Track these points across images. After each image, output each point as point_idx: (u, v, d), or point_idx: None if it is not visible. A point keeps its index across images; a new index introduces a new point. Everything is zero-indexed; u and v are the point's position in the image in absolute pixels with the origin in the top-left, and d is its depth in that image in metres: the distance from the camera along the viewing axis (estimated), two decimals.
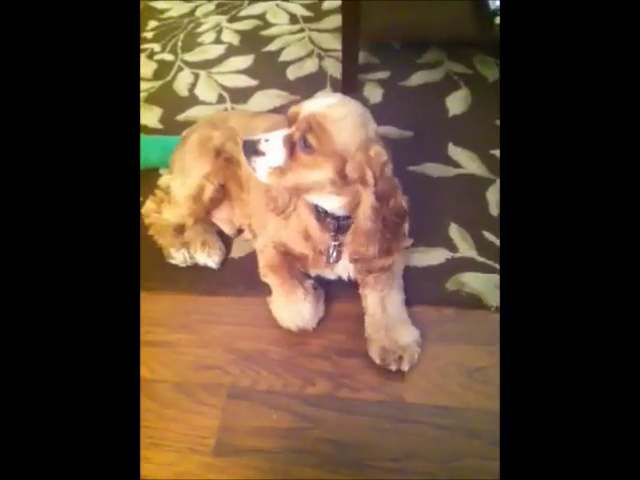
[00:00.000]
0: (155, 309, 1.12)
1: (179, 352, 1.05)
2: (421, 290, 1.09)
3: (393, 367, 0.96)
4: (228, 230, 1.24)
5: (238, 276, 1.15)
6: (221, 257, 1.17)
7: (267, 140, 0.89)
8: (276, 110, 1.53)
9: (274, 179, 0.91)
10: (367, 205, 0.89)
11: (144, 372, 1.02)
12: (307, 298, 1.02)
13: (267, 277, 1.07)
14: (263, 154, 0.88)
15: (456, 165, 1.35)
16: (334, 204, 0.95)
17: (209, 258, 1.16)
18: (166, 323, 1.10)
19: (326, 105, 0.88)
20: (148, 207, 1.24)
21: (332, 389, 0.98)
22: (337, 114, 0.87)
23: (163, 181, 1.26)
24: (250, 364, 1.02)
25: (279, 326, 1.05)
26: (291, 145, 0.88)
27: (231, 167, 1.17)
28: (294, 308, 1.02)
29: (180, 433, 0.94)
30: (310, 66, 1.73)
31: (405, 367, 0.96)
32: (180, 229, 1.20)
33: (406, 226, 1.02)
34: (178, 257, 1.16)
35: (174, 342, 1.07)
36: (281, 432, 0.93)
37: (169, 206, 1.21)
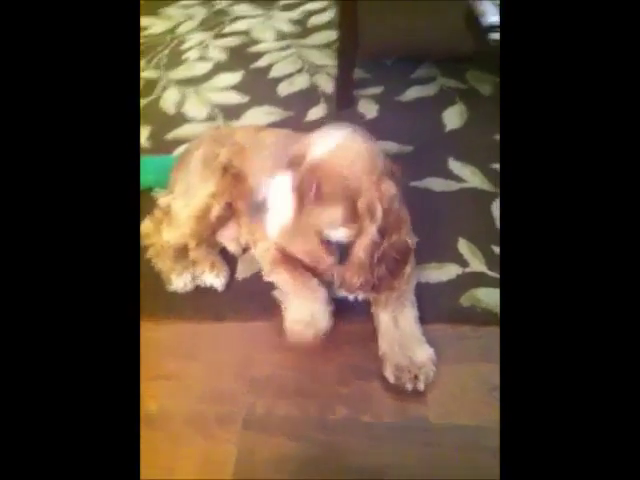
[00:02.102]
0: (158, 338, 1.06)
1: (187, 383, 1.00)
2: (435, 307, 1.06)
3: (409, 386, 0.93)
4: (233, 248, 1.20)
5: (245, 298, 1.11)
6: (227, 279, 1.13)
7: (274, 196, 0.87)
8: (272, 126, 1.50)
9: (286, 236, 0.90)
10: (367, 238, 0.89)
11: (152, 406, 0.96)
12: (319, 294, 0.99)
13: (274, 273, 1.04)
14: (270, 211, 0.87)
15: (458, 179, 1.34)
16: (340, 234, 0.94)
17: (217, 279, 1.11)
18: (172, 352, 1.04)
19: (334, 147, 0.85)
20: (146, 227, 1.18)
21: (352, 414, 0.94)
22: (347, 156, 0.86)
23: (162, 201, 1.21)
24: (264, 391, 0.97)
25: (291, 349, 1.00)
26: (299, 195, 0.86)
27: (239, 184, 1.13)
28: (307, 305, 0.98)
29: (195, 469, 0.88)
30: (301, 82, 1.72)
31: (421, 386, 0.93)
32: (181, 251, 1.15)
33: (408, 268, 0.99)
34: (178, 283, 1.11)
35: (181, 373, 1.01)
36: (303, 462, 0.88)
37: (169, 227, 1.15)
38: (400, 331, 0.98)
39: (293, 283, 1.01)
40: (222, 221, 1.16)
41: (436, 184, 1.33)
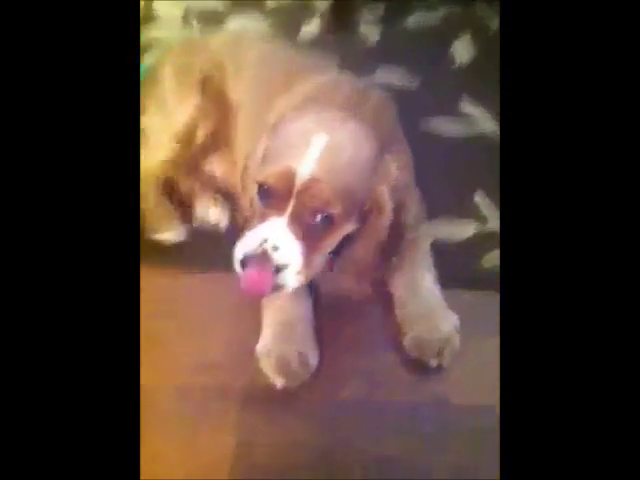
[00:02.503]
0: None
1: (174, 347, 0.84)
2: (453, 269, 0.94)
3: (433, 362, 0.83)
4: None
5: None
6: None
7: (275, 247, 0.68)
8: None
9: (303, 278, 0.72)
10: (374, 239, 0.77)
11: None
12: None
13: None
14: (285, 266, 0.68)
15: (471, 123, 1.19)
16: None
17: (223, 216, 0.97)
18: (155, 309, 0.86)
19: (323, 152, 0.68)
20: None
21: (367, 391, 0.83)
22: (341, 157, 0.70)
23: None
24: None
25: None
26: (305, 229, 0.70)
27: (222, 108, 0.93)
28: None
29: (188, 451, 0.75)
30: None
31: (446, 362, 0.83)
32: (169, 186, 0.96)
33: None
34: (171, 232, 0.93)
35: (167, 334, 0.85)
36: (312, 446, 0.78)
37: (147, 151, 0.93)
38: (419, 298, 0.86)
39: None
40: (206, 151, 0.97)
41: (446, 127, 1.18)
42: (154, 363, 0.81)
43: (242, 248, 0.69)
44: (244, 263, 0.67)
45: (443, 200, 1.02)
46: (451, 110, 1.21)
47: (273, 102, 0.88)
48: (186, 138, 0.93)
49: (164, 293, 0.89)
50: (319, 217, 0.69)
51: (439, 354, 0.82)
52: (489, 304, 0.90)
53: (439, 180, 1.04)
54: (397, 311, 0.87)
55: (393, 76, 1.26)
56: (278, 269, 0.68)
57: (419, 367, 0.83)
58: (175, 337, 0.85)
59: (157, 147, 0.94)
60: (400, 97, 1.19)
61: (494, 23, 1.45)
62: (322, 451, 0.77)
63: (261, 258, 0.67)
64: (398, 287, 0.88)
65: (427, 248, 0.93)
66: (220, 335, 0.86)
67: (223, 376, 0.82)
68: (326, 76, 0.90)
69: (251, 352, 0.81)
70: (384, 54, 1.28)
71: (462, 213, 1.04)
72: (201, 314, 0.89)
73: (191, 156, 0.96)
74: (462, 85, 1.26)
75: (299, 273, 0.70)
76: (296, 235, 0.68)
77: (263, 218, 0.70)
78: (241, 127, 0.94)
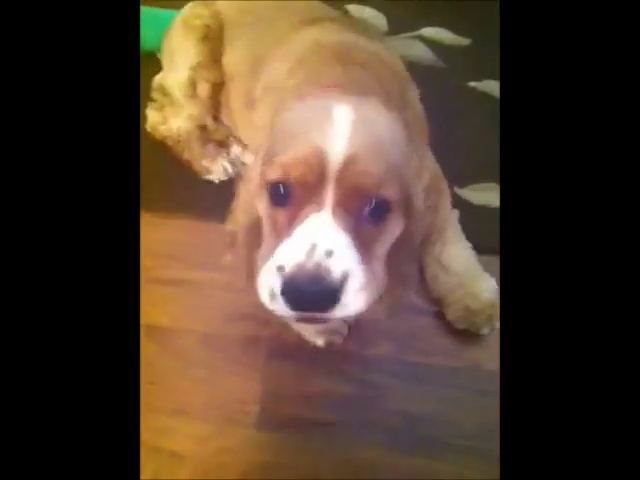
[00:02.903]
0: (167, 239, 0.87)
1: (204, 295, 0.84)
2: (481, 235, 0.91)
3: (485, 330, 0.80)
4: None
5: None
6: None
7: (329, 252, 0.48)
8: None
9: (367, 297, 0.52)
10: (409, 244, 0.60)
11: (162, 320, 0.80)
12: None
13: None
14: (346, 277, 0.48)
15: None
16: None
17: None
18: (184, 258, 0.86)
19: (351, 126, 0.52)
20: (152, 119, 0.96)
21: (397, 351, 0.82)
22: (375, 132, 0.54)
23: (155, 80, 0.96)
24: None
25: None
26: (355, 224, 0.51)
27: (217, 67, 0.90)
28: None
29: (214, 399, 0.76)
30: None
31: (497, 326, 0.80)
32: (204, 132, 0.94)
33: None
34: (217, 169, 0.93)
35: (197, 282, 0.85)
36: (337, 401, 0.78)
37: (173, 109, 0.93)
38: (456, 266, 0.83)
39: None
40: (216, 105, 0.94)
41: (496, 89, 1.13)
42: (183, 308, 0.81)
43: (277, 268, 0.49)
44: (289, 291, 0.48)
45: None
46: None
47: (264, 64, 0.80)
48: (191, 93, 0.91)
49: (202, 244, 0.88)
50: (372, 203, 0.52)
51: (488, 321, 0.79)
52: None
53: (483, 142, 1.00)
54: (433, 285, 0.85)
55: (441, 33, 1.20)
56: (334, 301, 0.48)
57: (464, 335, 0.82)
58: (208, 288, 0.85)
59: (179, 105, 0.93)
60: (449, 55, 1.16)
61: None
62: (348, 406, 0.77)
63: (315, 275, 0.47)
64: (430, 262, 0.84)
65: (456, 216, 0.89)
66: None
67: (253, 328, 0.82)
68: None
69: None
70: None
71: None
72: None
73: (204, 110, 0.93)
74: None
75: (362, 289, 0.50)
76: (353, 239, 0.50)
77: (280, 233, 0.52)
78: (235, 93, 0.90)
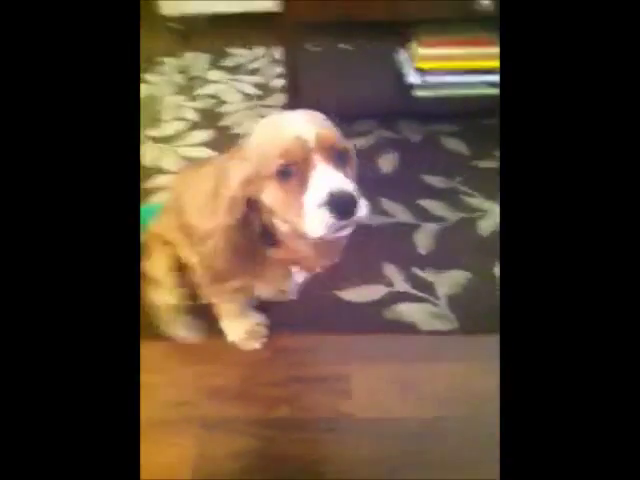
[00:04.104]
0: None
1: (152, 393, 1.17)
2: (362, 321, 1.27)
3: None
4: None
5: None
6: None
7: (342, 180, 0.76)
8: None
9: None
10: None
11: None
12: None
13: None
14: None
15: (388, 215, 1.57)
16: None
17: None
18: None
19: (310, 118, 0.81)
20: (158, 269, 1.18)
21: (291, 412, 1.12)
22: (318, 116, 0.83)
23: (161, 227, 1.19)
24: (217, 397, 1.15)
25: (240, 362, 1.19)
26: (338, 169, 0.78)
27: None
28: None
29: (161, 464, 1.05)
30: None
31: None
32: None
33: None
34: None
35: (146, 384, 1.18)
36: (252, 454, 1.05)
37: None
38: None
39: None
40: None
41: (371, 220, 1.55)
42: None
43: (321, 192, 0.73)
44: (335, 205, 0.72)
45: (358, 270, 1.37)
46: (375, 208, 1.59)
47: None
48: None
49: None
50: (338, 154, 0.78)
51: None
52: (388, 343, 1.23)
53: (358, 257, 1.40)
54: None
55: None
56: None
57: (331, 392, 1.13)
58: None
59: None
60: None
61: (415, 137, 1.88)
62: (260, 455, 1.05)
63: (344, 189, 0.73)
64: None
65: None
66: None
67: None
68: None
69: None
70: None
71: (373, 280, 1.38)
72: None
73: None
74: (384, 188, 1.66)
75: (363, 200, 0.76)
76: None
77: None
78: None
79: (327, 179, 0.74)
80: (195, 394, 1.16)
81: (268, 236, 0.90)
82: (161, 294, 1.19)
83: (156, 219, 1.22)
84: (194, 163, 1.17)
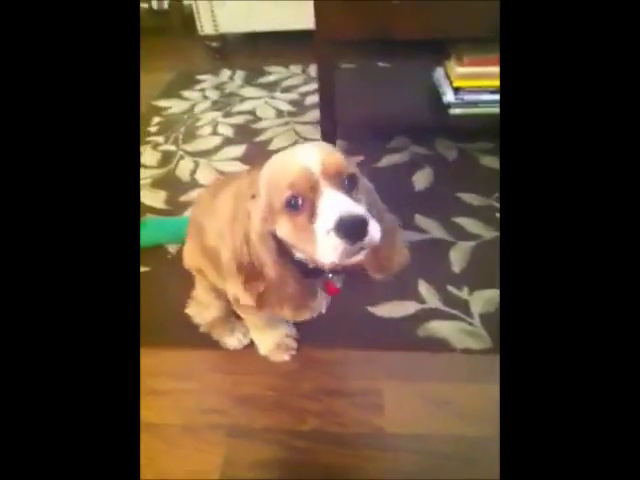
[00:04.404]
0: (157, 362, 1.25)
1: (184, 398, 1.18)
2: (394, 337, 1.25)
3: None
4: None
5: None
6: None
7: (350, 204, 0.74)
8: None
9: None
10: None
11: (152, 418, 1.14)
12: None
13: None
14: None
15: (422, 231, 1.56)
16: None
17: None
18: (170, 374, 1.23)
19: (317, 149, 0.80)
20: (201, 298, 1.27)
21: (321, 425, 1.11)
22: (325, 146, 0.84)
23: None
24: (247, 406, 1.15)
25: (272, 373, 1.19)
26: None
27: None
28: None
29: (188, 470, 1.05)
30: None
31: None
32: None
33: None
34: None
35: (179, 390, 1.20)
36: (279, 464, 1.05)
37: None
38: None
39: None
40: None
41: (405, 236, 1.55)
42: None
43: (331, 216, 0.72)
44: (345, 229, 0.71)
45: (393, 286, 1.36)
46: (409, 225, 1.59)
47: None
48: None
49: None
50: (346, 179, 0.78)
51: None
52: (422, 361, 1.20)
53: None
54: None
55: None
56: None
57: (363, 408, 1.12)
58: None
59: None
60: None
61: (450, 155, 1.87)
62: (288, 467, 1.05)
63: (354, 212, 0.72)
64: None
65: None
66: None
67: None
68: None
69: None
70: None
71: (407, 296, 1.36)
72: None
73: None
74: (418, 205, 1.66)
75: (374, 222, 0.74)
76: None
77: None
78: None
79: (335, 204, 0.73)
80: (225, 402, 1.17)
81: (300, 265, 0.90)
82: (204, 310, 1.27)
83: (185, 247, 1.25)
84: (210, 187, 1.20)
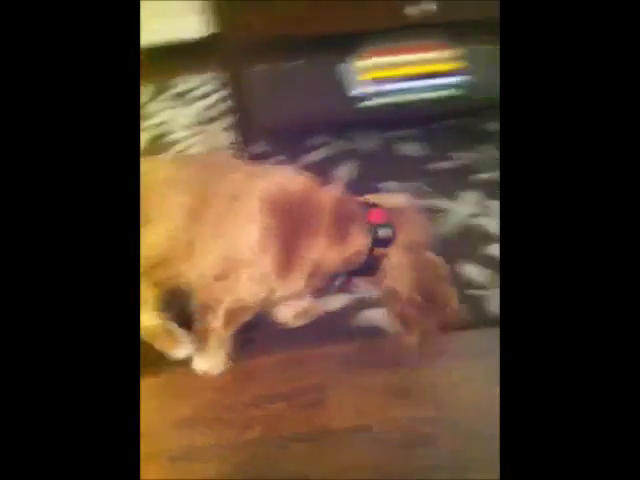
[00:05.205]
0: None
1: None
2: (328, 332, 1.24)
3: None
4: None
5: None
6: None
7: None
8: None
9: None
10: None
11: None
12: None
13: None
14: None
15: None
16: None
17: None
18: None
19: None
20: None
21: (263, 432, 1.07)
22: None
23: None
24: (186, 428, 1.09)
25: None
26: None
27: None
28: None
29: None
30: None
31: None
32: None
33: None
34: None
35: None
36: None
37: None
38: None
39: None
40: None
41: None
42: None
43: None
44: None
45: None
46: None
47: None
48: None
49: None
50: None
51: None
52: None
53: None
54: None
55: None
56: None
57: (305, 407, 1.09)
58: None
59: None
60: None
61: (370, 147, 1.89)
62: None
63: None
64: None
65: None
66: None
67: None
68: None
69: None
70: None
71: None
72: None
73: None
74: None
75: None
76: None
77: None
78: None
79: None
80: (163, 426, 1.11)
81: None
82: None
83: None
84: None
